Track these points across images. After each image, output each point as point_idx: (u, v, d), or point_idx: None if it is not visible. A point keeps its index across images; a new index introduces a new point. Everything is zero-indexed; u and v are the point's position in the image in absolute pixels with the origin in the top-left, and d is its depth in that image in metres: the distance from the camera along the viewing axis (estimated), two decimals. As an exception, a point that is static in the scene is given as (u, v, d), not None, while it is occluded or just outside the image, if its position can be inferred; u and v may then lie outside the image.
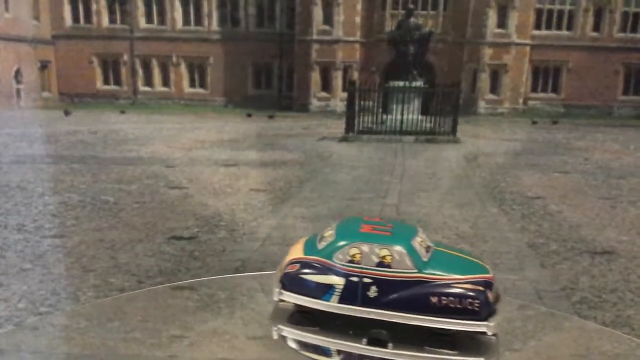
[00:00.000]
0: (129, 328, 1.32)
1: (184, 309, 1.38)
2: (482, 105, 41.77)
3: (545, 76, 43.95)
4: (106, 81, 46.13)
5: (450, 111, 21.86)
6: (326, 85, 42.33)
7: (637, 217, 9.71)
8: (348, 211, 9.57)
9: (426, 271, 1.02)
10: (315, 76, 42.09)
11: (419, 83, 23.03)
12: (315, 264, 1.04)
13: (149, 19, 44.97)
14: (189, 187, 11.59)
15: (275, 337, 1.11)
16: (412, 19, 24.01)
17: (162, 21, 44.91)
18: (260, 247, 7.35)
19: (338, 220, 1.14)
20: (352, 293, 1.01)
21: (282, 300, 1.08)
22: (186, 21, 44.95)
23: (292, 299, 1.06)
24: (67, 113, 32.19)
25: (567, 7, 42.82)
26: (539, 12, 42.38)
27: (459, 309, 1.01)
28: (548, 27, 43.05)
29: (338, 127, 23.75)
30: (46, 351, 1.28)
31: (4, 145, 18.19)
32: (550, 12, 42.94)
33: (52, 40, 43.97)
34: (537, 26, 42.48)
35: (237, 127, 27.34)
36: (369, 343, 1.03)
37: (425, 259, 1.03)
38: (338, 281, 1.01)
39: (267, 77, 45.89)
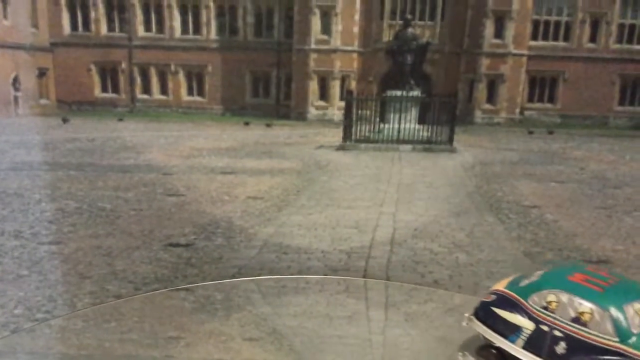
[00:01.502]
0: (125, 329, 1.34)
1: (180, 311, 1.40)
2: (478, 115, 41.78)
3: (541, 86, 43.98)
4: (104, 89, 46.06)
5: (447, 121, 21.90)
6: (324, 94, 42.33)
7: (633, 227, 9.75)
8: (344, 219, 9.58)
9: (631, 345, 0.87)
10: (313, 85, 42.09)
11: (416, 93, 23.09)
12: (510, 300, 0.98)
13: (148, 28, 44.97)
14: (186, 195, 11.61)
15: None
16: (410, 29, 24.09)
17: (160, 30, 44.90)
18: (257, 254, 7.37)
19: (559, 265, 1.02)
20: (540, 342, 0.92)
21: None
22: (184, 30, 44.94)
23: (479, 329, 1.01)
24: (65, 120, 32.18)
25: (564, 18, 42.90)
26: (535, 23, 42.43)
27: None
28: (545, 38, 43.09)
29: (335, 135, 23.78)
30: (42, 352, 1.30)
31: (1, 152, 18.19)
32: (547, 23, 42.99)
33: (50, 48, 43.92)
34: (534, 37, 42.52)
35: (234, 135, 27.35)
36: None
37: (635, 331, 0.88)
38: (527, 325, 0.94)
39: (265, 85, 45.86)
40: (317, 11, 40.73)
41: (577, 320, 0.89)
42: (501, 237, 8.68)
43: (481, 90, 41.60)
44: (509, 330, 0.95)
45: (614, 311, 0.89)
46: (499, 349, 0.98)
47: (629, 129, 39.73)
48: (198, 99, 45.92)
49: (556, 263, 7.31)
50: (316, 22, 40.96)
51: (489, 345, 1.01)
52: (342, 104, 26.49)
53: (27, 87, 40.62)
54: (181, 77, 45.56)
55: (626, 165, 18.86)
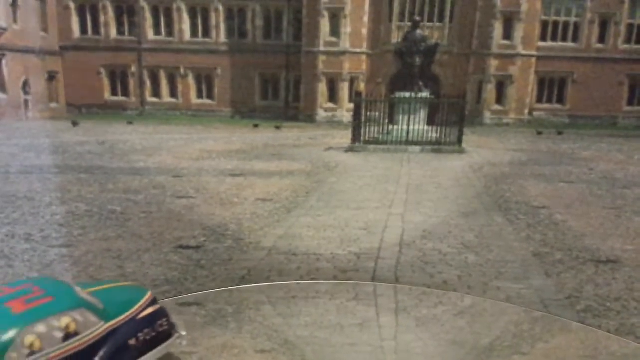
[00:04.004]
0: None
1: (192, 325, 1.41)
2: (487, 116, 41.73)
3: (550, 87, 43.89)
4: (114, 92, 46.22)
5: (456, 122, 21.88)
6: (333, 96, 42.35)
7: (642, 227, 9.73)
8: (353, 221, 9.59)
9: (111, 317, 0.90)
10: (322, 87, 42.12)
11: (425, 94, 23.06)
12: None
13: (157, 31, 45.09)
14: (196, 197, 11.64)
15: None
16: (419, 31, 24.07)
17: (170, 33, 45.02)
18: (266, 256, 7.39)
19: None
20: None
21: None
22: (194, 33, 45.05)
23: None
24: (74, 124, 32.28)
25: (573, 19, 42.80)
26: (544, 24, 42.35)
27: (154, 336, 0.94)
28: (553, 39, 43.00)
29: (344, 137, 23.78)
30: None
31: (12, 155, 18.27)
32: (555, 23, 42.90)
33: (60, 52, 44.11)
34: (543, 38, 42.45)
35: (244, 137, 27.40)
36: None
37: (101, 306, 0.90)
38: None
39: (274, 88, 45.93)
40: (326, 13, 40.76)
41: (68, 336, 0.83)
42: (510, 238, 8.66)
43: (490, 91, 41.54)
44: None
45: (83, 304, 0.87)
46: None
47: (638, 129, 39.58)
48: (207, 101, 46.01)
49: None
50: (325, 25, 40.99)
51: None
52: (351, 105, 26.48)
53: (37, 90, 40.79)
54: (191, 80, 45.67)
55: (635, 166, 18.80)
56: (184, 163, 17.11)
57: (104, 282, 1.05)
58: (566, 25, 42.98)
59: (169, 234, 8.43)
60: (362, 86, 39.05)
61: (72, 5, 44.15)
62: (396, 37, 36.79)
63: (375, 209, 10.72)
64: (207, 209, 10.48)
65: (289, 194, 12.15)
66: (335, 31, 41.29)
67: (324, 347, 1.38)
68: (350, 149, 21.32)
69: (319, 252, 7.61)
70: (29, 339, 0.78)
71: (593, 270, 7.07)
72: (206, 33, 45.01)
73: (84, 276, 6.50)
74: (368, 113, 22.00)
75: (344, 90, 41.82)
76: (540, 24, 41.78)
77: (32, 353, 0.77)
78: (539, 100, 43.86)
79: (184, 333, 0.97)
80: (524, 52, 41.13)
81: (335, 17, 41.02)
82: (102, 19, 44.72)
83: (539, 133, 33.08)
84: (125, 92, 46.13)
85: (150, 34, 45.03)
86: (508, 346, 1.23)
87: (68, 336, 0.81)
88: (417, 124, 21.89)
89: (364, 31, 41.70)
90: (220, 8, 44.21)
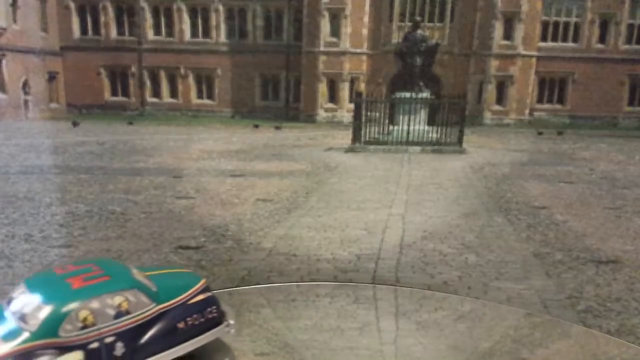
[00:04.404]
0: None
1: None
2: (488, 116, 41.77)
3: (551, 87, 43.94)
4: (114, 92, 46.28)
5: (457, 122, 21.89)
6: (333, 97, 42.40)
7: (643, 228, 9.72)
8: (354, 221, 9.59)
9: (162, 300, 0.94)
10: (322, 87, 42.16)
11: (425, 94, 23.06)
12: (37, 351, 0.82)
13: (157, 31, 45.15)
14: (196, 198, 11.63)
15: None
16: (419, 31, 24.06)
17: (170, 33, 45.06)
18: (266, 256, 7.38)
19: (26, 286, 0.91)
20: None
21: None
22: (194, 33, 45.10)
23: None
24: (75, 124, 32.30)
25: (573, 19, 42.85)
26: (545, 24, 42.41)
27: (203, 322, 0.98)
28: (554, 39, 43.06)
29: (345, 137, 23.79)
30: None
31: (11, 156, 18.28)
32: (556, 24, 42.95)
33: (60, 52, 44.17)
34: (543, 38, 42.50)
35: (244, 137, 27.40)
36: None
37: (155, 289, 0.94)
38: (75, 357, 0.83)
39: (275, 88, 45.97)
40: (326, 14, 40.81)
41: (119, 314, 0.87)
42: (510, 238, 8.66)
43: (490, 91, 41.59)
44: None
45: (137, 285, 0.91)
46: None
47: (638, 130, 39.61)
48: (208, 102, 46.06)
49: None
50: (325, 25, 41.04)
51: None
52: (352, 106, 26.47)
53: (37, 91, 40.83)
54: (191, 80, 45.72)
55: (635, 166, 18.80)
56: (184, 163, 17.11)
57: (161, 267, 1.08)
58: (567, 25, 43.04)
59: (169, 235, 8.42)
60: (362, 86, 39.18)
61: (72, 5, 44.21)
62: (396, 38, 36.79)
63: (375, 209, 10.72)
64: (207, 209, 10.48)
65: (289, 195, 12.15)
66: (335, 31, 41.35)
67: (324, 350, 1.38)
68: (350, 149, 21.32)
69: (319, 253, 7.61)
70: (83, 313, 0.83)
71: (593, 270, 7.06)
72: (206, 33, 45.06)
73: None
74: (368, 113, 22.01)
75: (344, 90, 41.87)
76: (540, 24, 41.85)
77: (85, 327, 0.83)
78: (540, 100, 43.92)
79: (232, 322, 0.99)
80: (524, 52, 41.19)
81: (336, 18, 41.08)
82: (102, 19, 44.79)
83: (540, 133, 33.10)
84: (126, 93, 46.18)
85: (151, 34, 45.08)
86: (507, 351, 1.23)
87: (119, 314, 0.87)
88: (418, 124, 21.89)
89: (365, 31, 41.76)
90: (221, 8, 44.26)
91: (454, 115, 22.02)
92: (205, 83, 46.00)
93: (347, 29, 41.29)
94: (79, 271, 0.91)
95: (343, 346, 1.40)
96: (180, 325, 0.95)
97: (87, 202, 10.92)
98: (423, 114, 22.68)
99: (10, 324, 0.84)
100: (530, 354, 1.29)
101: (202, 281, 1.03)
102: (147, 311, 0.91)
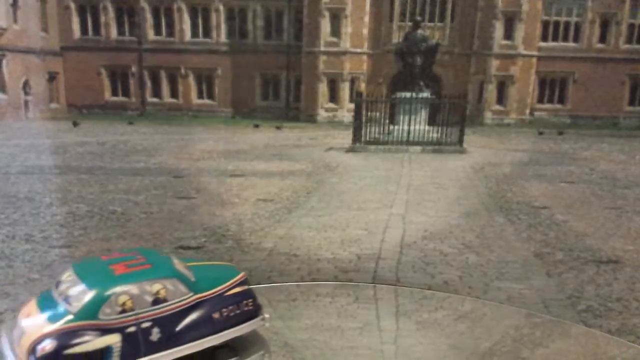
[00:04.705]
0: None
1: None
2: (488, 116, 41.74)
3: (551, 87, 43.92)
4: (114, 92, 46.24)
5: (457, 122, 21.89)
6: (333, 97, 42.37)
7: (644, 227, 9.72)
8: (354, 221, 9.59)
9: (200, 290, 0.97)
10: (323, 87, 42.13)
11: (425, 94, 23.05)
12: (79, 331, 0.86)
13: (158, 31, 45.10)
14: (197, 198, 11.64)
15: None
16: (419, 31, 24.06)
17: (170, 33, 45.02)
18: (267, 256, 7.38)
19: (73, 270, 0.94)
20: (134, 345, 0.89)
21: None
22: (194, 33, 45.07)
23: None
24: (75, 124, 32.28)
25: (574, 19, 42.82)
26: (545, 24, 42.38)
27: (238, 314, 1.01)
28: (554, 39, 43.03)
29: (345, 137, 23.79)
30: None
31: (12, 156, 18.28)
32: (556, 23, 42.93)
33: (60, 52, 44.13)
34: (544, 38, 42.48)
35: (244, 137, 27.39)
36: None
37: (193, 279, 0.98)
38: (114, 340, 0.87)
39: (275, 88, 45.94)
40: (326, 13, 40.78)
41: (157, 301, 0.91)
42: (511, 238, 8.66)
43: (491, 91, 41.57)
44: (97, 359, 0.86)
45: (176, 274, 0.95)
46: None
47: (639, 129, 39.57)
48: (208, 102, 46.04)
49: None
50: (326, 25, 41.02)
51: None
52: (352, 105, 26.48)
53: (37, 91, 40.81)
54: (191, 80, 45.70)
55: (636, 166, 18.80)
56: (184, 163, 17.11)
57: (202, 260, 1.12)
58: (567, 25, 43.02)
59: (169, 235, 8.43)
60: (362, 86, 39.13)
61: (72, 6, 44.17)
62: (397, 37, 36.74)
63: (376, 209, 10.72)
64: (208, 209, 10.48)
65: (290, 194, 12.15)
66: (335, 31, 41.32)
67: (324, 350, 1.38)
68: (351, 149, 21.32)
69: (320, 253, 7.61)
70: (123, 298, 0.87)
71: (594, 270, 7.06)
72: (207, 33, 45.03)
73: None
74: (369, 113, 22.00)
75: (345, 90, 41.84)
76: (541, 24, 41.83)
77: (123, 311, 0.87)
78: (540, 100, 43.90)
79: (267, 316, 1.02)
80: (525, 52, 41.17)
81: (336, 17, 41.05)
82: (102, 19, 44.75)
83: (540, 133, 33.08)
84: (126, 93, 46.15)
85: (151, 34, 45.05)
86: (508, 351, 1.22)
87: (157, 301, 0.90)
88: (418, 124, 21.88)
89: (365, 31, 41.73)
90: (221, 8, 44.23)
91: (455, 115, 22.02)
92: (206, 83, 45.96)
93: (347, 28, 41.26)
94: (123, 258, 0.96)
95: (343, 346, 1.40)
96: (216, 315, 0.97)
97: (87, 202, 10.92)
98: (423, 114, 22.67)
99: (57, 305, 0.88)
100: (531, 353, 1.29)
101: (241, 275, 1.06)
102: (183, 300, 0.94)
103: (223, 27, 44.73)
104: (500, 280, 6.61)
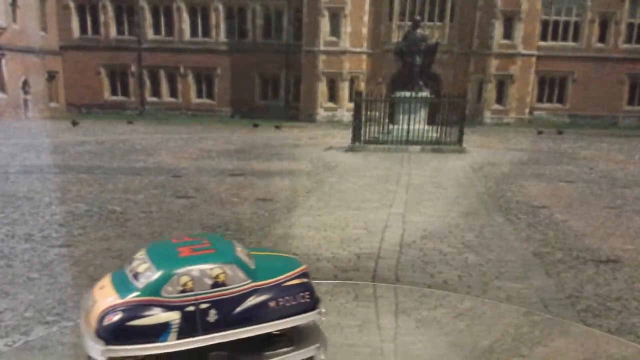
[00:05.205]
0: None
1: None
2: (488, 116, 41.74)
3: (550, 87, 43.92)
4: (114, 92, 46.20)
5: (457, 121, 21.88)
6: (333, 96, 42.33)
7: (643, 227, 9.73)
8: (354, 221, 9.59)
9: (258, 278, 1.01)
10: (322, 87, 42.09)
11: (425, 93, 23.05)
12: (141, 306, 0.93)
13: (157, 30, 45.08)
14: (196, 197, 11.63)
15: None
16: (419, 30, 24.04)
17: (169, 32, 44.99)
18: (266, 256, 7.37)
19: (145, 250, 1.02)
20: (191, 324, 0.94)
21: (110, 358, 0.92)
22: (194, 32, 45.04)
23: (125, 352, 0.92)
24: (74, 123, 32.24)
25: (573, 19, 42.82)
26: (544, 24, 42.37)
27: (294, 305, 1.03)
28: (554, 38, 43.02)
29: (345, 137, 23.77)
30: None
31: (11, 155, 18.26)
32: (556, 23, 42.92)
33: (59, 51, 44.09)
34: (543, 37, 42.46)
35: (243, 137, 27.37)
36: None
37: (253, 267, 1.02)
38: (173, 316, 0.93)
39: (274, 87, 45.90)
40: (326, 13, 40.75)
41: (216, 285, 0.95)
42: (510, 238, 8.66)
43: (490, 90, 41.57)
44: (156, 333, 0.93)
45: (236, 261, 0.99)
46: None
47: (638, 129, 39.58)
48: (207, 101, 46.02)
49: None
50: (325, 24, 40.99)
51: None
52: (351, 105, 26.48)
53: (36, 90, 40.77)
54: (190, 79, 45.68)
55: (635, 165, 18.81)
56: (183, 163, 17.11)
57: (267, 249, 1.15)
58: (566, 24, 43.02)
59: (168, 234, 8.42)
60: (362, 86, 39.12)
61: (71, 5, 44.14)
62: (396, 37, 36.68)
63: (375, 208, 10.72)
64: (207, 208, 10.48)
65: (289, 194, 12.15)
66: (335, 31, 41.28)
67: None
68: (350, 149, 21.31)
69: (319, 252, 7.61)
70: (184, 278, 0.93)
71: (593, 269, 7.06)
72: (206, 32, 45.00)
73: (83, 276, 6.49)
74: (368, 112, 21.98)
75: (344, 89, 41.81)
76: (540, 24, 41.82)
77: (184, 291, 0.93)
78: (540, 99, 43.91)
79: (323, 310, 1.05)
80: (524, 52, 41.17)
81: (336, 17, 41.01)
82: (101, 18, 44.71)
83: (540, 132, 33.08)
84: (125, 92, 46.11)
85: (150, 34, 45.02)
86: (507, 349, 1.22)
87: (216, 284, 0.95)
88: (418, 124, 21.87)
89: (364, 30, 41.70)
90: (220, 7, 44.20)
91: (454, 115, 22.01)
92: (205, 82, 45.93)
93: (346, 28, 41.22)
94: (191, 242, 1.02)
95: (343, 343, 1.40)
96: (272, 304, 1.00)
97: (86, 201, 10.91)
98: (423, 113, 22.66)
99: (126, 281, 0.96)
100: (530, 351, 1.29)
101: (302, 267, 1.10)
102: (241, 286, 0.98)
103: (222, 26, 44.70)
104: (500, 280, 6.61)
